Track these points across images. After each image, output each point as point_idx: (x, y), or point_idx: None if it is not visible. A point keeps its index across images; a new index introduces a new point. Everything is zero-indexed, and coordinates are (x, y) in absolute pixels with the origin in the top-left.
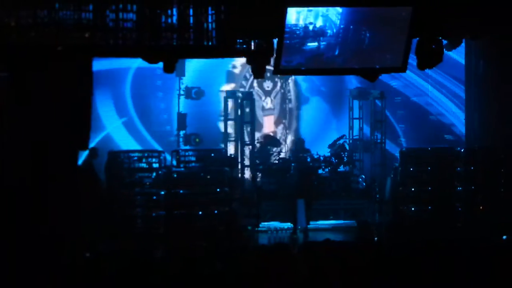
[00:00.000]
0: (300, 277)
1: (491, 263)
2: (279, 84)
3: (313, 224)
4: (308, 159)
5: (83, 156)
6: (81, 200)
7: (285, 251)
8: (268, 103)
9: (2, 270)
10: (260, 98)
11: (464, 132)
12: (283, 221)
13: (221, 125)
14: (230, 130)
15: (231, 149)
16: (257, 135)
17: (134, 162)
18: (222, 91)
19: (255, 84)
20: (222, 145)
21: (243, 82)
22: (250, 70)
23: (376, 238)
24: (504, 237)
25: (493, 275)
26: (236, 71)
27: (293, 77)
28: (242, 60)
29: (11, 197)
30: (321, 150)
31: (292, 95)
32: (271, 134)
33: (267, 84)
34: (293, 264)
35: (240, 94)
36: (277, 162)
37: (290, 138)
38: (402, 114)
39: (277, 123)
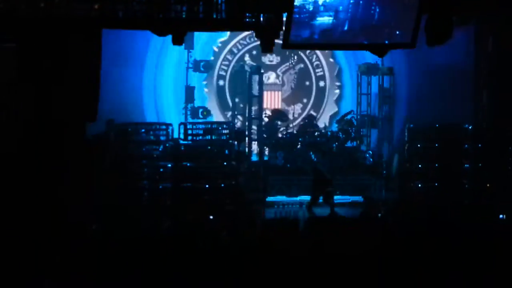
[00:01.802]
0: (305, 251)
1: (494, 243)
2: (294, 58)
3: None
4: (316, 135)
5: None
6: (91, 172)
7: (291, 225)
8: (271, 78)
9: (10, 242)
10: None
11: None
12: (289, 195)
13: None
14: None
15: (238, 123)
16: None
17: (142, 134)
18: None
19: (246, 57)
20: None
21: (228, 56)
22: (237, 44)
23: (380, 215)
24: (501, 216)
25: (496, 255)
26: (220, 45)
27: (326, 51)
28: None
29: (18, 167)
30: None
31: (326, 71)
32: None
33: (270, 58)
34: (298, 238)
35: (248, 68)
36: (284, 136)
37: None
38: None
39: (288, 101)
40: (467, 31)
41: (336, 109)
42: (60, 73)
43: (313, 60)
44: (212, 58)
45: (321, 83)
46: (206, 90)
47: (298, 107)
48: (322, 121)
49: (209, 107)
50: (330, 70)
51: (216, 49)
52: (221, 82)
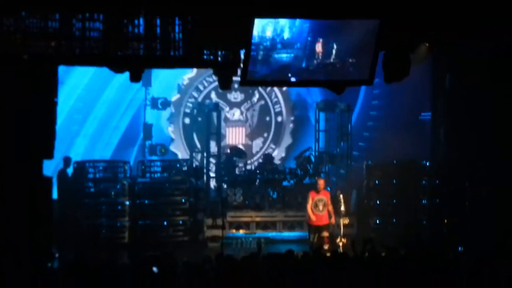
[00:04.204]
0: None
1: (453, 277)
2: (256, 95)
3: (277, 235)
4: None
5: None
6: (47, 209)
7: (250, 262)
8: (235, 114)
9: None
10: (223, 109)
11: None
12: (248, 232)
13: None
14: (197, 140)
15: (197, 160)
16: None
17: (100, 172)
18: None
19: (213, 95)
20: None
21: (194, 93)
22: (203, 82)
23: (339, 250)
24: (460, 248)
25: None
26: (186, 82)
27: (284, 88)
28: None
29: None
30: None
31: (282, 107)
32: (238, 146)
33: (234, 96)
34: (257, 275)
35: (207, 105)
36: (242, 173)
37: (277, 153)
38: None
39: (252, 136)
40: (424, 69)
41: (291, 141)
42: (17, 109)
43: (272, 97)
44: (178, 95)
45: (279, 118)
46: (170, 129)
47: (259, 141)
48: (280, 154)
49: (176, 144)
50: (287, 106)
51: (183, 86)
52: (186, 120)
